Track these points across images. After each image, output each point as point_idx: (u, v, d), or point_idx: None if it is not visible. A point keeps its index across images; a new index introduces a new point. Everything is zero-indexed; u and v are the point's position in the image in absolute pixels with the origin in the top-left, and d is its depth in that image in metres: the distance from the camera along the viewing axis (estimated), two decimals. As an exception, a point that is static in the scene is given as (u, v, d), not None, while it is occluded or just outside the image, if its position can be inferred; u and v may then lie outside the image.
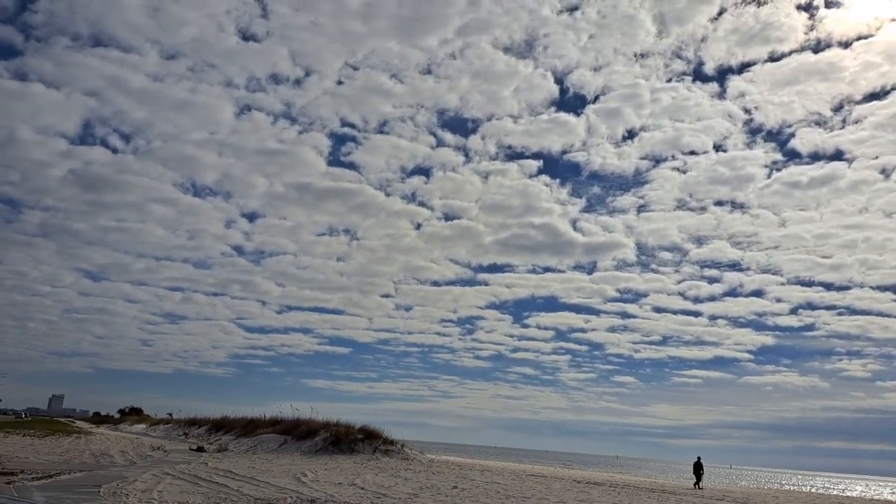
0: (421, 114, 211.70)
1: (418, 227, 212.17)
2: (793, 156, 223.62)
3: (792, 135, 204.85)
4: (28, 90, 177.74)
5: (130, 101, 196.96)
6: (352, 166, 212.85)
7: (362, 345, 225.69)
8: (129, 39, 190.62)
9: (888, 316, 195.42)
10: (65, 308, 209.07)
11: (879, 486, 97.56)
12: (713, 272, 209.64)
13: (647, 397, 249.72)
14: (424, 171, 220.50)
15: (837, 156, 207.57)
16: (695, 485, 35.67)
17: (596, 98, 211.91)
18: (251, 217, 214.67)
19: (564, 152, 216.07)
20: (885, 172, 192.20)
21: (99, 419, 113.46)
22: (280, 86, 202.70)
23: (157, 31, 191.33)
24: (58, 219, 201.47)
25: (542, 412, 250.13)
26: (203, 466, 26.80)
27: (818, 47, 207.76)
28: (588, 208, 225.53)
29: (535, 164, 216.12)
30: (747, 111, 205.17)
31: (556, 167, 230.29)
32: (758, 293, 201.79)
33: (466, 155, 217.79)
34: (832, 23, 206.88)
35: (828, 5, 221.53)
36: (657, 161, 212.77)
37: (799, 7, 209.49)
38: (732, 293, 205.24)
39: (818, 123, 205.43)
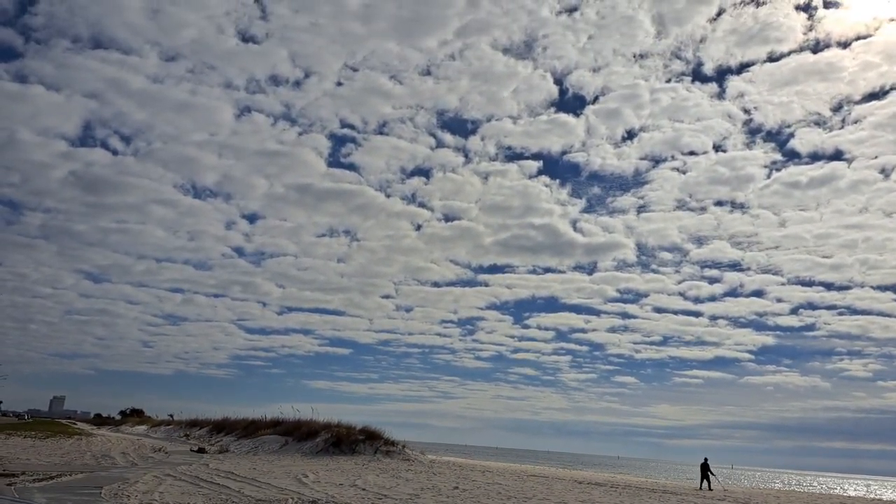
0: (420, 115, 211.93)
1: (418, 227, 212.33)
2: (792, 156, 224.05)
3: (791, 135, 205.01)
4: (28, 92, 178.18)
5: (130, 102, 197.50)
6: (352, 167, 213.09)
7: (363, 346, 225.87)
8: (128, 41, 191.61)
9: (889, 316, 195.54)
10: (66, 310, 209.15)
11: (881, 486, 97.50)
12: (713, 272, 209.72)
13: (647, 398, 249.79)
14: (424, 172, 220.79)
15: (837, 156, 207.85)
16: (701, 486, 35.30)
17: (595, 99, 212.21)
18: (251, 218, 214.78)
19: (564, 153, 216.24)
20: (884, 172, 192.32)
21: (100, 421, 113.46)
22: (280, 87, 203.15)
23: (156, 32, 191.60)
24: (58, 220, 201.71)
25: (543, 413, 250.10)
26: (204, 468, 26.82)
27: (817, 47, 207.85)
28: (588, 209, 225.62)
29: (534, 165, 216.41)
30: (747, 111, 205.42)
31: (556, 168, 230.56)
32: (758, 293, 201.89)
33: (466, 156, 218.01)
34: (831, 23, 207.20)
35: (826, 6, 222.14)
36: (657, 161, 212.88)
37: (798, 7, 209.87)
38: (733, 293, 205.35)
39: (817, 123, 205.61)
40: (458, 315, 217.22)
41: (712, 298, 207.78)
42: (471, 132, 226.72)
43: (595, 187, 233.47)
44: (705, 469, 35.79)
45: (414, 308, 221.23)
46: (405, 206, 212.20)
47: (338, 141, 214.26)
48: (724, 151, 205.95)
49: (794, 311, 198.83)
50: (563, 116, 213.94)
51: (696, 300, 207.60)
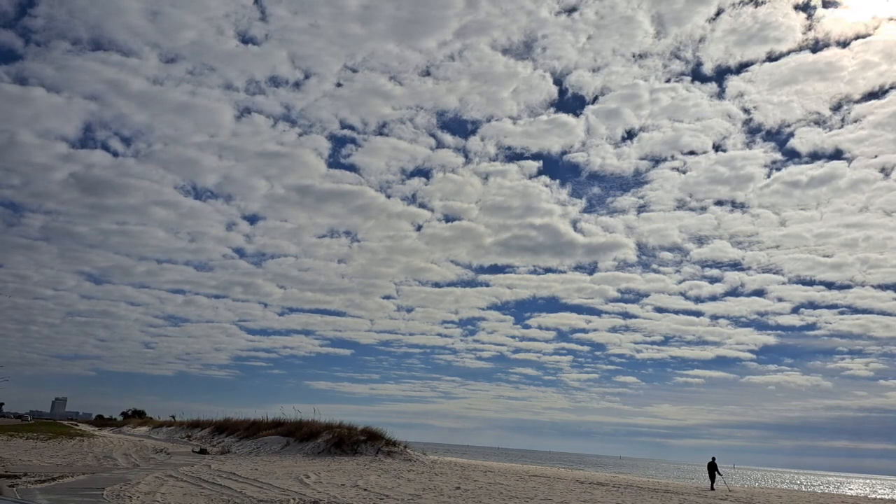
0: (420, 115, 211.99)
1: (419, 228, 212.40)
2: (792, 155, 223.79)
3: (791, 134, 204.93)
4: (29, 94, 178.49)
5: (131, 104, 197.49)
6: (352, 168, 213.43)
7: (364, 346, 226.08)
8: (128, 43, 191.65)
9: (890, 315, 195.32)
10: (67, 311, 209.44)
11: (883, 485, 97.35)
12: (714, 272, 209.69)
13: (649, 397, 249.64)
14: (424, 173, 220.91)
15: (837, 155, 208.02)
16: (713, 486, 35.08)
17: (595, 99, 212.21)
18: (252, 219, 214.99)
19: (564, 153, 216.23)
20: (884, 171, 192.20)
21: (102, 422, 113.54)
22: (279, 88, 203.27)
23: (156, 34, 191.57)
24: (59, 222, 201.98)
25: (545, 413, 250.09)
26: (206, 468, 26.82)
27: (816, 47, 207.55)
28: (588, 209, 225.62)
29: (534, 165, 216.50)
30: (746, 111, 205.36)
31: (556, 168, 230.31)
32: (759, 293, 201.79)
33: (466, 156, 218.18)
34: (830, 22, 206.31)
35: (825, 5, 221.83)
36: (657, 161, 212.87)
37: (797, 7, 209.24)
38: (734, 293, 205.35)
39: (817, 123, 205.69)
40: (459, 315, 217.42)
41: (713, 298, 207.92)
42: (471, 132, 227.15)
43: (595, 187, 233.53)
44: (713, 468, 35.60)
45: (415, 308, 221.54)
46: (405, 206, 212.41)
47: (338, 142, 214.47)
48: (724, 151, 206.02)
49: (795, 311, 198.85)
50: (562, 116, 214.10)
51: (697, 300, 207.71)
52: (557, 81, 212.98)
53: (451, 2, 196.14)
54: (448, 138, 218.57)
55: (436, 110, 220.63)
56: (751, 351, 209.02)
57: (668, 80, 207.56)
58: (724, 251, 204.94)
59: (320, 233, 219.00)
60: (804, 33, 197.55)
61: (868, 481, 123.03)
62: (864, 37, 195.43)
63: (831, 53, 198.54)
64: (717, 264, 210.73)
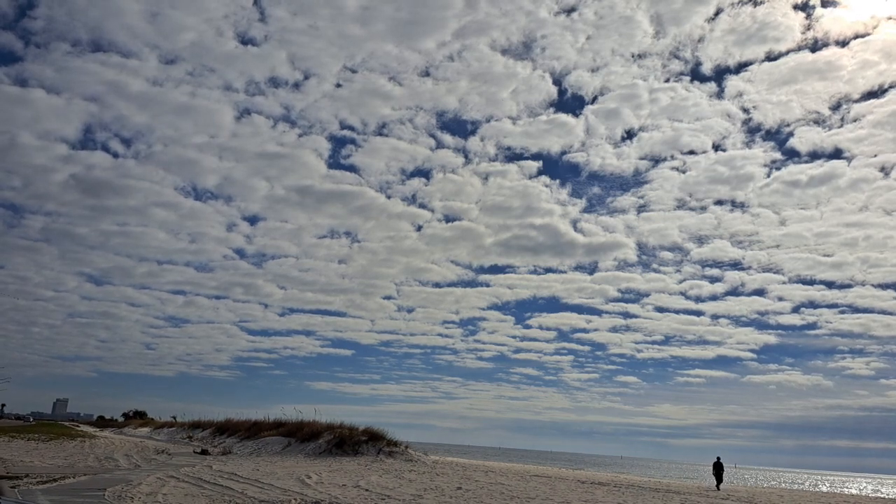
0: (420, 116, 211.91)
1: (419, 228, 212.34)
2: (792, 154, 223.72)
3: (791, 134, 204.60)
4: (29, 96, 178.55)
5: (130, 105, 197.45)
6: (352, 169, 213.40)
7: (365, 347, 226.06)
8: (128, 44, 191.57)
9: (890, 314, 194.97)
10: (68, 312, 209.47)
11: (885, 484, 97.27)
12: (714, 271, 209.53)
13: (650, 397, 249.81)
14: (424, 173, 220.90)
15: (836, 154, 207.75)
16: (719, 486, 34.85)
17: (594, 99, 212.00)
18: (252, 220, 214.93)
19: (564, 153, 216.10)
20: (884, 170, 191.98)
21: (103, 423, 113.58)
22: (279, 89, 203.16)
23: (155, 35, 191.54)
24: (60, 223, 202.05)
25: (545, 413, 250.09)
26: (207, 469, 26.83)
27: (815, 46, 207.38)
28: (588, 209, 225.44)
29: (534, 165, 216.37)
30: (746, 111, 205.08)
31: (556, 168, 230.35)
32: (759, 292, 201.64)
33: (466, 156, 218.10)
34: (829, 22, 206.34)
35: (824, 4, 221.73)
36: (656, 161, 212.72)
37: (796, 6, 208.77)
38: (734, 292, 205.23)
39: (817, 122, 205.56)
40: (460, 315, 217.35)
41: (713, 297, 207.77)
42: (470, 133, 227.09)
43: (595, 187, 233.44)
44: (719, 468, 35.36)
45: (415, 309, 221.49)
46: (406, 207, 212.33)
47: (338, 142, 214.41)
48: (724, 150, 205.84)
49: (795, 310, 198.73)
50: (562, 116, 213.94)
51: (698, 299, 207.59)
52: (557, 81, 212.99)
53: (450, 2, 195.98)
54: (448, 138, 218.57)
55: (435, 111, 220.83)
56: (751, 350, 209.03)
57: (667, 80, 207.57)
58: (724, 251, 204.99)
59: (320, 233, 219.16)
60: (803, 33, 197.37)
61: (870, 480, 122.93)
62: (863, 36, 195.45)
63: (830, 53, 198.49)
64: (718, 264, 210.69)
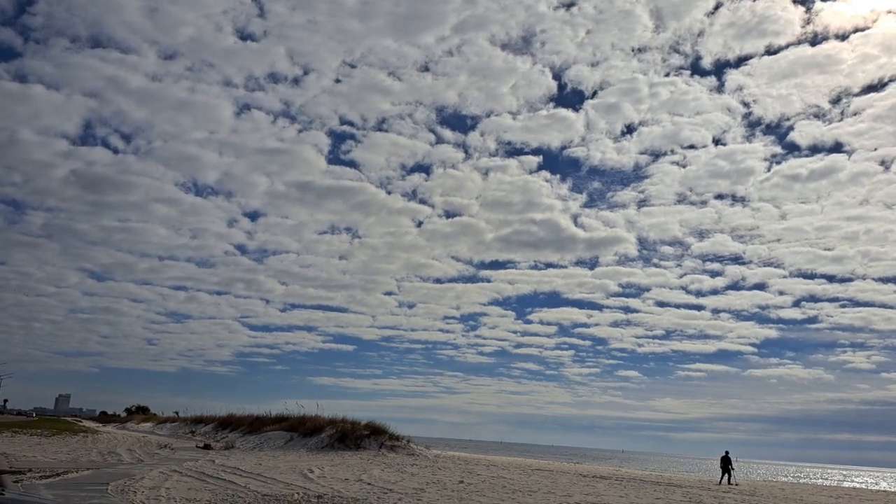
0: (420, 111, 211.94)
1: (419, 224, 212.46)
2: (792, 148, 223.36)
3: (791, 127, 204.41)
4: (28, 92, 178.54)
5: (130, 101, 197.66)
6: (352, 164, 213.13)
7: (366, 342, 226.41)
8: (127, 40, 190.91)
9: (891, 307, 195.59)
10: (70, 308, 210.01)
11: (886, 478, 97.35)
12: (715, 266, 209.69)
13: (651, 391, 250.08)
14: (424, 169, 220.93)
15: (837, 148, 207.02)
16: (730, 481, 34.54)
17: (594, 93, 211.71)
18: (253, 216, 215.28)
19: (564, 148, 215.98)
20: (884, 164, 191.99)
21: (105, 418, 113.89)
22: (279, 84, 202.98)
23: (154, 31, 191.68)
24: (61, 219, 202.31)
25: (547, 407, 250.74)
26: (210, 464, 26.90)
27: (815, 40, 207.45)
28: (589, 203, 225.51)
29: (534, 160, 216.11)
30: (746, 104, 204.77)
31: (556, 163, 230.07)
32: (760, 286, 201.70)
33: (466, 151, 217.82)
34: (829, 15, 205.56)
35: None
36: (657, 155, 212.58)
37: (795, 0, 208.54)
38: (735, 286, 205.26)
39: (817, 116, 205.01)
40: (461, 311, 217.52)
41: (714, 292, 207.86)
42: (470, 128, 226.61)
43: (595, 182, 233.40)
44: (726, 462, 35.16)
45: (416, 304, 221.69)
46: (406, 202, 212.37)
47: (337, 138, 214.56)
48: (724, 145, 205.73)
49: (796, 304, 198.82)
50: (562, 111, 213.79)
51: (698, 294, 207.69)
52: (557, 76, 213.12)
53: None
54: (448, 134, 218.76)
55: (435, 106, 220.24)
56: (752, 344, 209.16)
57: (667, 74, 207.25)
58: (724, 245, 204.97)
59: (321, 229, 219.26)
60: (803, 26, 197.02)
61: (871, 474, 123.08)
62: (863, 30, 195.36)
63: (830, 46, 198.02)
64: (718, 258, 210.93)
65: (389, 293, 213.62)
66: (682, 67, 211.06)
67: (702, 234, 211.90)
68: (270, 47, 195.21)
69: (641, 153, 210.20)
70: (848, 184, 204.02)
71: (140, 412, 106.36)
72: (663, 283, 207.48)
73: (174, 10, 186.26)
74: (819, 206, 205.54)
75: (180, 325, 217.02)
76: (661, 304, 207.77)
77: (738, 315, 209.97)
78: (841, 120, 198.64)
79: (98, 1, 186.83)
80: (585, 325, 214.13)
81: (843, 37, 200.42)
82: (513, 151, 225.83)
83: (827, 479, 72.76)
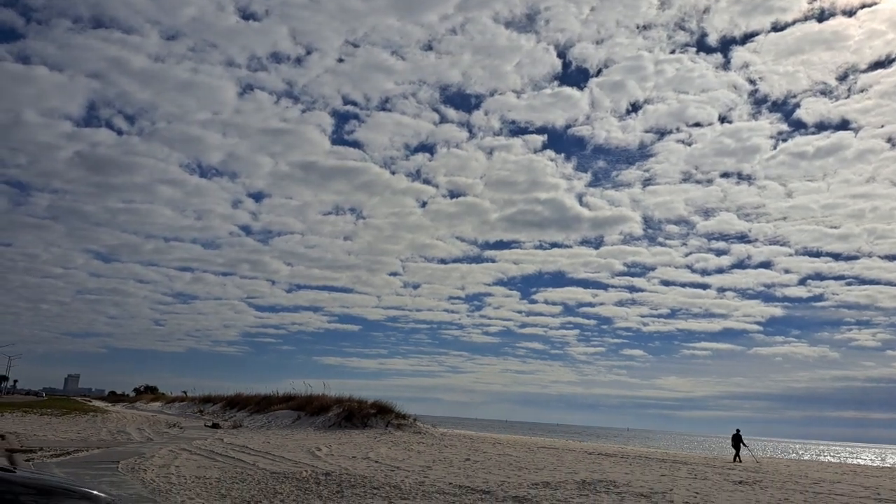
0: (423, 90, 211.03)
1: (424, 204, 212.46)
2: (798, 126, 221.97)
3: (797, 105, 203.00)
4: (32, 73, 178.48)
5: (133, 82, 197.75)
6: (356, 144, 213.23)
7: (372, 322, 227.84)
8: (129, 20, 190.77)
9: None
10: (77, 289, 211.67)
11: (891, 455, 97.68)
12: (721, 244, 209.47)
13: (656, 370, 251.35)
14: (428, 148, 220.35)
15: (843, 125, 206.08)
16: (736, 458, 34.68)
17: (599, 71, 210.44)
18: (257, 197, 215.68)
19: (568, 126, 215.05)
20: (891, 141, 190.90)
21: (115, 398, 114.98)
22: (281, 64, 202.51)
23: (156, 11, 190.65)
24: (66, 201, 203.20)
25: (552, 386, 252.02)
26: (219, 442, 27.14)
27: (822, 16, 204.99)
28: (594, 182, 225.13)
29: (539, 139, 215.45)
30: (752, 82, 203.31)
31: (561, 142, 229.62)
32: (766, 265, 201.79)
33: (470, 131, 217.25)
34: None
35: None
36: (662, 134, 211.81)
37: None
38: (740, 265, 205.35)
39: (823, 93, 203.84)
40: (466, 291, 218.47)
41: (720, 270, 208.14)
42: (474, 107, 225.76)
43: (600, 161, 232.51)
44: (737, 440, 35.26)
45: (421, 285, 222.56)
46: (410, 182, 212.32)
47: (341, 118, 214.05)
48: (730, 122, 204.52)
49: (802, 282, 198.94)
50: (566, 90, 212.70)
51: (704, 272, 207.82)
52: (561, 54, 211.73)
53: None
54: (451, 113, 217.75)
55: (438, 85, 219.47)
56: (758, 323, 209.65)
57: (672, 52, 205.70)
58: (730, 223, 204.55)
59: (326, 210, 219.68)
60: (810, 3, 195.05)
61: (876, 451, 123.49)
62: (870, 5, 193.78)
63: (837, 23, 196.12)
64: (724, 237, 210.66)
65: (394, 274, 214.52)
66: (687, 44, 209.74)
67: (707, 213, 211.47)
68: (273, 27, 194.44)
69: (647, 131, 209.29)
70: (854, 161, 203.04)
71: (149, 392, 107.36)
72: (668, 262, 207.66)
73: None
74: (825, 183, 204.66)
75: (187, 305, 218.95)
76: (666, 283, 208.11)
77: (744, 294, 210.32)
78: (848, 97, 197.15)
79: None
80: (590, 305, 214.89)
81: (850, 13, 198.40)
82: (517, 130, 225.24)
83: (832, 456, 73.04)
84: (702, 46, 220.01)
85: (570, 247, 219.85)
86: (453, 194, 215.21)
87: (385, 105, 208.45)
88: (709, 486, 18.57)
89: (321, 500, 12.70)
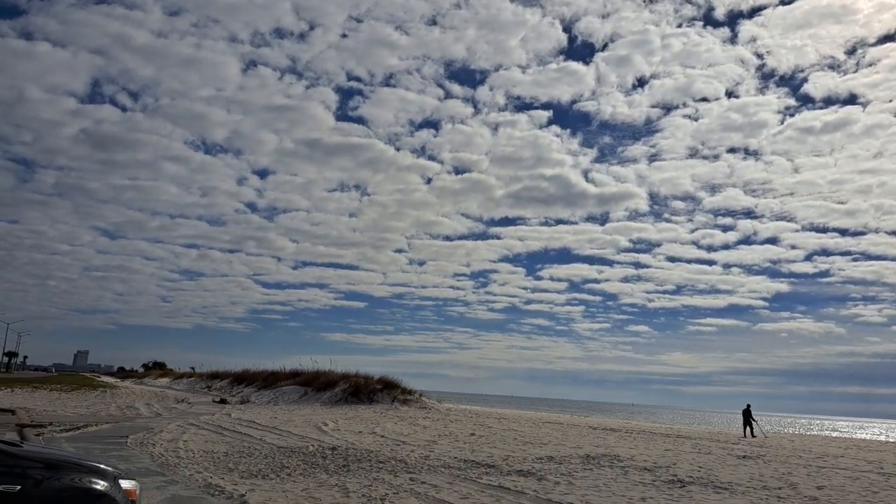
0: (428, 65, 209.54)
1: (429, 181, 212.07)
2: (806, 101, 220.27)
3: (805, 79, 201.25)
4: (35, 49, 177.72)
5: (136, 58, 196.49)
6: (360, 121, 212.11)
7: (377, 299, 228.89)
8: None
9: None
10: (84, 266, 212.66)
11: (894, 429, 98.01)
12: (727, 220, 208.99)
13: (661, 346, 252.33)
14: (433, 124, 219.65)
15: (851, 100, 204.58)
16: (745, 433, 34.64)
17: (605, 46, 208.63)
18: (262, 174, 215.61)
19: (574, 102, 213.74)
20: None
21: (123, 374, 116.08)
22: (285, 40, 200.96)
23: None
24: (72, 178, 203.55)
25: (557, 362, 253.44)
26: (226, 417, 27.40)
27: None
28: (599, 158, 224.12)
29: (544, 115, 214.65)
30: (759, 56, 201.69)
31: (566, 117, 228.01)
32: (772, 240, 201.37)
33: (475, 107, 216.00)
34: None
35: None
36: (668, 109, 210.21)
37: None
38: (746, 241, 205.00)
39: (832, 67, 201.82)
40: (471, 268, 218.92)
41: (726, 247, 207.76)
42: (479, 82, 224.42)
43: (606, 136, 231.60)
44: (748, 416, 35.18)
45: (427, 262, 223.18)
46: (415, 159, 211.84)
47: (345, 94, 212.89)
48: (737, 97, 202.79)
49: (808, 258, 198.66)
50: (572, 65, 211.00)
51: (710, 248, 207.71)
52: (567, 28, 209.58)
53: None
54: (456, 88, 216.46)
55: (443, 60, 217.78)
56: (763, 299, 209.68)
57: (679, 26, 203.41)
58: (736, 199, 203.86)
59: (330, 187, 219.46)
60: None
61: (881, 426, 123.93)
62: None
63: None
64: (730, 213, 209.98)
65: (400, 251, 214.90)
66: (694, 18, 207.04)
67: (714, 189, 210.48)
68: (276, 2, 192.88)
69: (653, 107, 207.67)
70: (862, 136, 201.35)
71: (157, 368, 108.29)
72: (674, 238, 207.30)
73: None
74: (832, 158, 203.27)
75: (193, 282, 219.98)
76: (672, 259, 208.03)
77: (750, 269, 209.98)
78: (856, 71, 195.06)
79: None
80: (596, 281, 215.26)
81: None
82: (522, 106, 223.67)
83: (836, 431, 73.37)
84: (709, 20, 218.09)
85: (576, 223, 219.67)
86: (458, 171, 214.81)
87: (389, 81, 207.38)
88: (712, 460, 18.69)
89: (327, 473, 12.83)
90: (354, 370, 42.07)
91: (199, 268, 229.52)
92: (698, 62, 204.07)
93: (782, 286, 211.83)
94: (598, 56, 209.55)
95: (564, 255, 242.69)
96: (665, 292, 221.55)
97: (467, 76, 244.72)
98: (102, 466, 5.68)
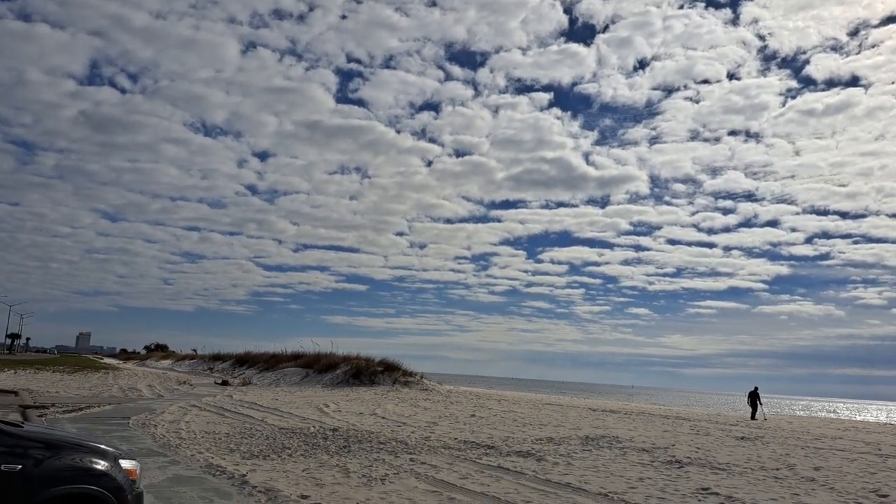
0: (428, 47, 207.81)
1: (429, 164, 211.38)
2: (808, 83, 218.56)
3: (807, 61, 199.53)
4: (33, 31, 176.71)
5: (135, 39, 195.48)
6: (360, 103, 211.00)
7: (378, 282, 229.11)
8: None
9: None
10: (85, 248, 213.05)
11: (893, 410, 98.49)
12: (727, 203, 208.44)
13: (661, 328, 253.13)
14: (433, 107, 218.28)
15: (853, 82, 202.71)
16: (754, 416, 34.58)
17: (606, 27, 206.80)
18: (262, 156, 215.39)
19: (575, 84, 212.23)
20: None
21: (126, 356, 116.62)
22: (284, 21, 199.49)
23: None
24: (72, 160, 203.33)
25: (557, 344, 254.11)
26: (228, 399, 27.55)
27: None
28: (600, 141, 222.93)
29: (545, 97, 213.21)
30: (761, 37, 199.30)
31: (567, 99, 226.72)
32: (773, 223, 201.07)
33: (475, 89, 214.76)
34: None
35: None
36: (669, 91, 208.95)
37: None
38: (747, 224, 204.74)
39: (834, 49, 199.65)
40: (472, 251, 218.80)
41: (726, 229, 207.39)
42: (479, 64, 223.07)
43: (607, 119, 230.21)
44: (755, 398, 35.05)
45: (427, 245, 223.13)
46: (415, 141, 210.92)
47: (345, 76, 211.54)
48: (738, 79, 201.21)
49: (808, 241, 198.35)
50: (573, 46, 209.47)
51: (710, 231, 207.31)
52: (567, 10, 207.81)
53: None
54: (456, 70, 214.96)
55: (443, 42, 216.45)
56: (763, 281, 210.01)
57: (681, 7, 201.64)
58: (737, 182, 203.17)
59: (331, 169, 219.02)
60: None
61: (879, 408, 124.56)
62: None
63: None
64: (731, 195, 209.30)
65: (400, 233, 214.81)
66: (696, 0, 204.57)
67: (714, 172, 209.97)
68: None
69: (654, 89, 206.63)
70: (864, 118, 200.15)
71: (159, 350, 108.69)
72: (675, 220, 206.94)
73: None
74: (834, 141, 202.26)
75: (195, 265, 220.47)
76: (672, 241, 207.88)
77: (750, 252, 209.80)
78: (858, 52, 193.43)
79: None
80: (596, 264, 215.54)
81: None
82: (523, 88, 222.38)
83: (835, 412, 73.72)
84: (710, 2, 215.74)
85: (577, 206, 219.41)
86: (459, 153, 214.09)
87: (389, 63, 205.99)
88: (711, 441, 18.80)
89: (328, 454, 12.92)
90: (356, 352, 42.31)
91: (200, 250, 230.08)
92: (699, 44, 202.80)
93: (782, 269, 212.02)
94: (599, 38, 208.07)
95: (565, 238, 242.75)
96: (665, 275, 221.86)
97: (468, 58, 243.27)
98: (103, 447, 5.72)
